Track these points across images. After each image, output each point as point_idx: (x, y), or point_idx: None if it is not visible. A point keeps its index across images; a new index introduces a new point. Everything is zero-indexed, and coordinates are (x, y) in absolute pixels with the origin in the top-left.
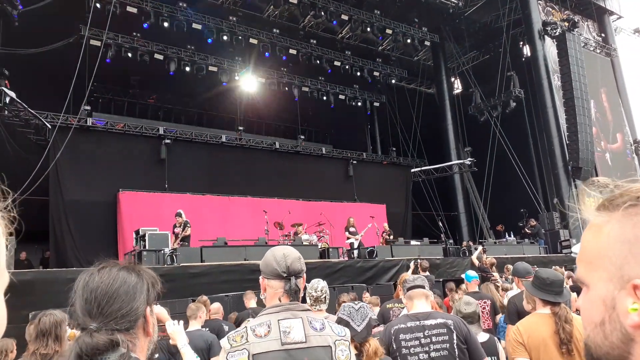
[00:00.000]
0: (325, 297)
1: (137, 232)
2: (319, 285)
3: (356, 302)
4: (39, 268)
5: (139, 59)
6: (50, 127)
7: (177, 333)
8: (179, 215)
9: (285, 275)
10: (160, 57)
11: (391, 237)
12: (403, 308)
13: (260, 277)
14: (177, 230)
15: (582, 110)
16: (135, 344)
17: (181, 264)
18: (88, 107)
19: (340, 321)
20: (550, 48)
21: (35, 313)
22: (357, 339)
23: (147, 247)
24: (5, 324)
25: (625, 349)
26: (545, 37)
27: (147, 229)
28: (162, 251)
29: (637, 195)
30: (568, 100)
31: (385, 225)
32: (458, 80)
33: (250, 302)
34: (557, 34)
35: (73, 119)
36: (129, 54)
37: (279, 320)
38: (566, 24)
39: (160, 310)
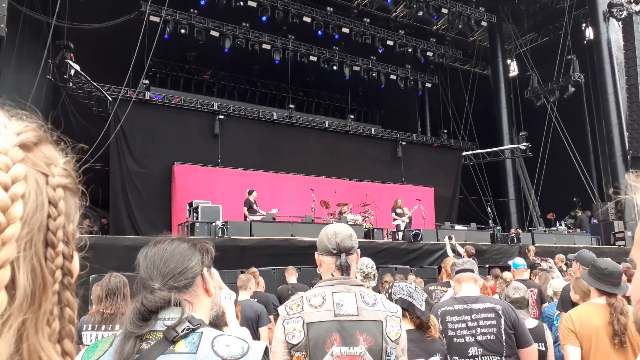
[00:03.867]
0: (374, 275)
1: (190, 204)
2: (369, 262)
3: (409, 282)
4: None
5: (195, 35)
6: (111, 99)
7: (227, 307)
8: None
9: (335, 252)
10: (216, 33)
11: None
12: (445, 291)
13: (316, 253)
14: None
15: None
16: (196, 303)
17: (231, 237)
18: (146, 82)
19: (402, 302)
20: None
21: (96, 276)
22: (424, 318)
23: (199, 219)
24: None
25: None
26: (610, 19)
27: (200, 202)
28: (214, 223)
29: None
30: (631, 86)
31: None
32: (514, 62)
33: (291, 277)
34: (623, 16)
35: (132, 93)
36: (186, 30)
37: (333, 292)
38: (634, 5)
39: (216, 275)
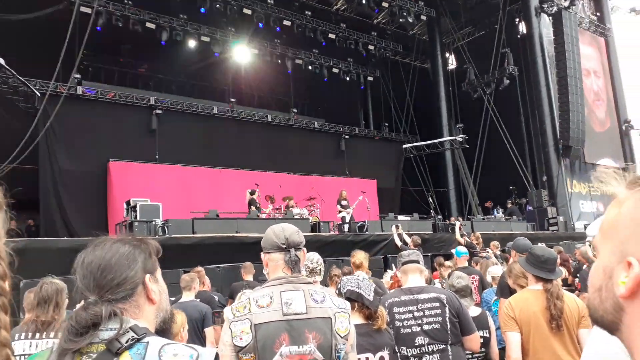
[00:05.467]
0: (320, 269)
1: (127, 203)
2: (314, 257)
3: (357, 275)
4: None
5: (130, 28)
6: (39, 95)
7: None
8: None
9: (284, 246)
10: (152, 26)
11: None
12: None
13: (262, 254)
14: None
15: (574, 89)
16: (137, 312)
17: (173, 235)
18: (78, 76)
19: (351, 293)
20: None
21: (27, 282)
22: (372, 307)
23: (138, 218)
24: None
25: (616, 316)
26: (542, 14)
27: (138, 200)
28: (154, 222)
29: None
30: (561, 79)
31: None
32: (453, 56)
33: (248, 276)
34: (554, 11)
35: (63, 88)
36: (120, 23)
37: (281, 292)
38: (563, 1)
39: None
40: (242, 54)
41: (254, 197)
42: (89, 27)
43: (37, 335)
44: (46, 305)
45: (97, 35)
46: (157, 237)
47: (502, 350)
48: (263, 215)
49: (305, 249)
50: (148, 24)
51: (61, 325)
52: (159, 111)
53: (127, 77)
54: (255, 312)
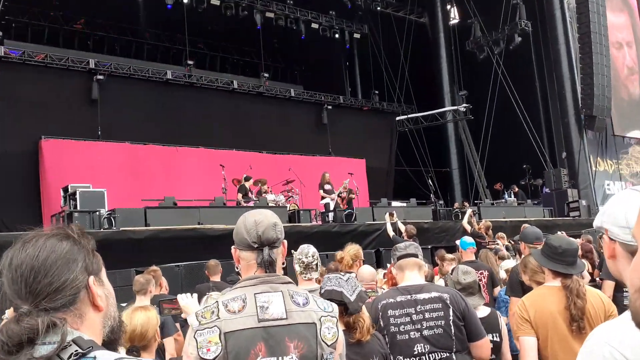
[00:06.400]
0: (316, 264)
1: (65, 189)
2: (310, 250)
3: (343, 274)
4: None
5: None
6: None
7: (189, 306)
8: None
9: (256, 245)
10: None
11: (353, 195)
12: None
13: (232, 248)
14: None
15: (599, 48)
16: (80, 323)
17: (121, 228)
18: None
19: (331, 292)
20: None
21: None
22: (351, 309)
23: (78, 208)
24: None
25: None
26: None
27: (77, 186)
28: (98, 212)
29: None
30: (584, 35)
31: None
32: (455, 8)
33: (214, 276)
34: None
35: None
36: None
37: (255, 294)
38: None
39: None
40: (200, 5)
41: (247, 184)
42: None
43: None
44: None
45: None
46: (102, 230)
47: (516, 357)
48: (251, 204)
49: (285, 243)
50: None
51: None
52: (100, 77)
53: (60, 34)
54: (224, 318)
